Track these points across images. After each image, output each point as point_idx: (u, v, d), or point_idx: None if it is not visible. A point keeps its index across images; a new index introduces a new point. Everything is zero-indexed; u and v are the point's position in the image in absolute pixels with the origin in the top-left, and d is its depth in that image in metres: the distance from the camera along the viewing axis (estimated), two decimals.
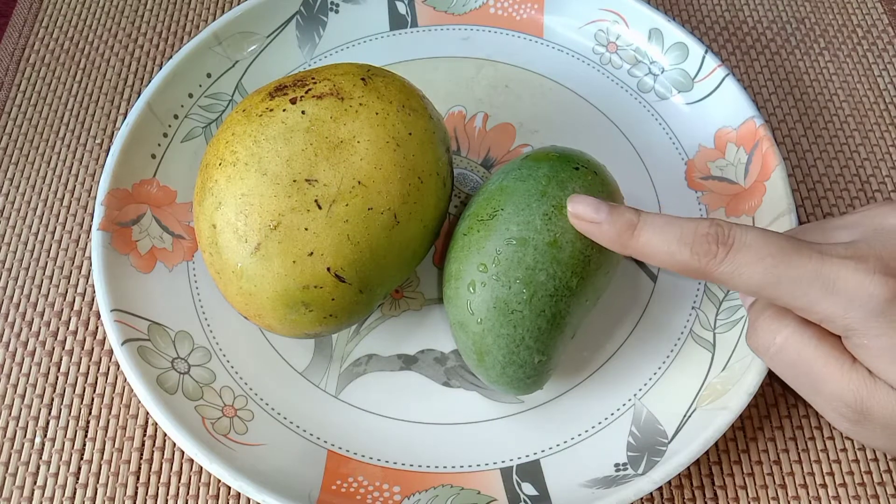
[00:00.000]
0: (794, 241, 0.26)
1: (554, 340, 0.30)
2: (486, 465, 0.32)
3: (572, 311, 0.30)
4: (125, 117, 0.41)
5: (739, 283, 0.26)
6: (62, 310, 0.36)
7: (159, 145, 0.38)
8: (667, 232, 0.27)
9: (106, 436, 0.33)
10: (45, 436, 0.33)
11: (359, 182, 0.29)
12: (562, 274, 0.29)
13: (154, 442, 0.33)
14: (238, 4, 0.43)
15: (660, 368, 0.34)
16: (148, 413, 0.33)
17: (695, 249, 0.27)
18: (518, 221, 0.30)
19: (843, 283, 0.25)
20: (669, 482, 0.33)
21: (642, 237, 0.28)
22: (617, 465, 0.31)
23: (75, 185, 0.40)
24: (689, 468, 0.33)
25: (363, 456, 0.32)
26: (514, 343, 0.29)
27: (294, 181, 0.29)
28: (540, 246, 0.29)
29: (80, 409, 0.34)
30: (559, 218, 0.30)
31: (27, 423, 0.34)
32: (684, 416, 0.32)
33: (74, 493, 0.32)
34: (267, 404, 0.33)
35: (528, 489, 0.31)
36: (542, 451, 0.32)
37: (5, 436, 0.33)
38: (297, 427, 0.33)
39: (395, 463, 0.32)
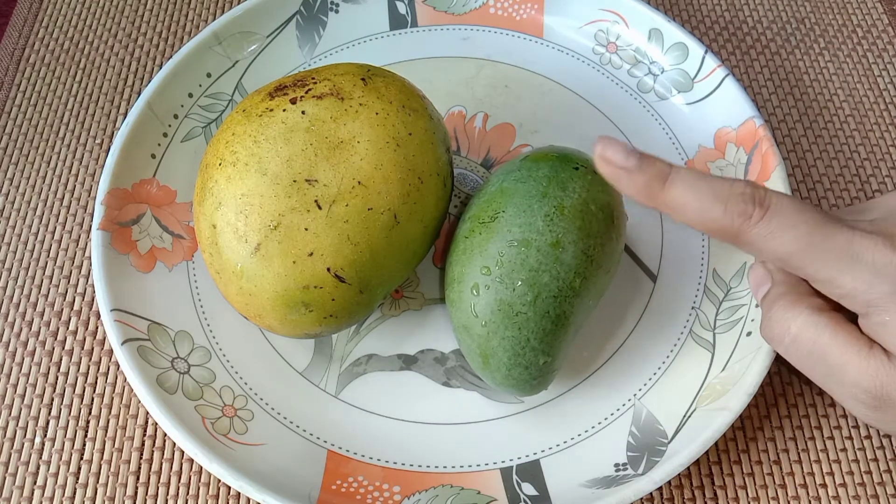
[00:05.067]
0: (825, 213, 0.26)
1: (559, 341, 0.30)
2: (486, 465, 0.32)
3: (576, 311, 0.30)
4: (125, 117, 0.41)
5: (769, 248, 0.26)
6: (62, 310, 0.36)
7: (159, 145, 0.38)
8: (700, 187, 0.26)
9: (106, 436, 0.33)
10: (45, 436, 0.33)
11: (359, 182, 0.29)
12: (565, 274, 0.29)
13: (154, 442, 0.33)
14: (238, 4, 0.43)
15: (660, 368, 0.34)
16: (148, 413, 0.33)
17: (729, 208, 0.26)
18: (520, 223, 0.30)
19: (869, 257, 0.25)
20: (669, 482, 0.33)
21: (674, 190, 0.26)
22: (617, 465, 0.31)
23: (75, 185, 0.40)
24: (688, 468, 0.33)
25: (363, 456, 0.32)
26: (519, 345, 0.29)
27: (294, 181, 0.29)
28: (542, 247, 0.29)
29: (80, 409, 0.34)
30: (561, 219, 0.30)
31: (27, 423, 0.34)
32: (684, 416, 0.32)
33: (74, 493, 0.32)
34: (267, 404, 0.33)
35: (528, 489, 0.31)
36: (542, 451, 0.32)
37: (5, 436, 0.33)
38: (297, 427, 0.33)
39: (395, 463, 0.32)
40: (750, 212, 0.26)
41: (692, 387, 0.33)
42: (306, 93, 0.30)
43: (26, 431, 0.33)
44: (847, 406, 0.27)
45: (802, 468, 0.33)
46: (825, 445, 0.34)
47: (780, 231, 0.26)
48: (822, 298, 0.27)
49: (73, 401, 0.34)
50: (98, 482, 0.32)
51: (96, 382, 0.34)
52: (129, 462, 0.33)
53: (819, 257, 0.25)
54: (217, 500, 0.32)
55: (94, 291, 0.34)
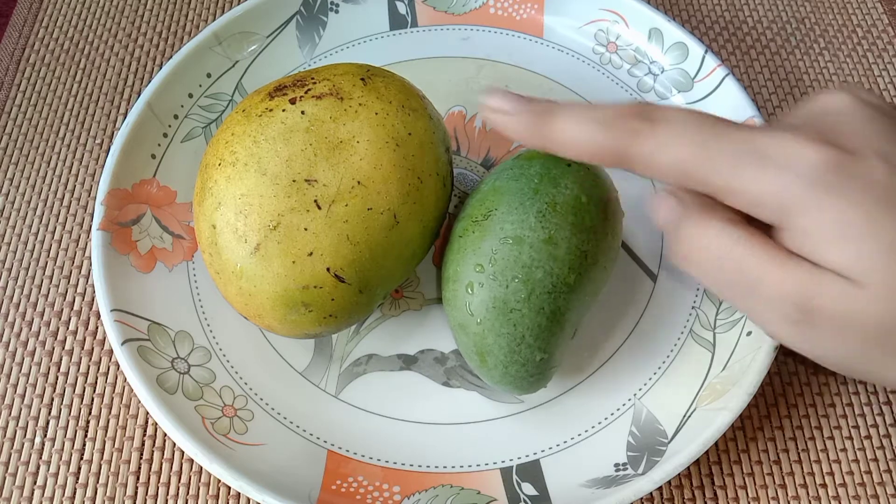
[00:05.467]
0: (724, 119, 0.24)
1: (555, 337, 0.30)
2: (486, 465, 0.32)
3: (571, 308, 0.30)
4: (125, 117, 0.41)
5: (662, 163, 0.24)
6: (62, 310, 0.36)
7: (159, 145, 0.38)
8: (584, 115, 0.25)
9: (106, 436, 0.33)
10: (45, 436, 0.33)
11: (358, 182, 0.29)
12: (559, 270, 0.29)
13: (154, 442, 0.33)
14: (238, 4, 0.43)
15: (660, 368, 0.34)
16: (148, 413, 0.34)
17: (615, 128, 0.24)
18: (512, 220, 0.30)
19: (778, 152, 0.22)
20: (669, 482, 0.33)
21: (558, 123, 0.25)
22: (617, 465, 0.31)
23: (75, 185, 0.40)
24: (688, 468, 0.33)
25: (363, 456, 0.32)
26: (514, 342, 0.29)
27: (293, 181, 0.29)
28: (535, 243, 0.29)
29: (80, 409, 0.34)
30: (553, 215, 0.30)
31: (27, 423, 0.34)
32: (684, 416, 0.32)
33: (74, 493, 0.32)
34: (267, 404, 0.33)
35: (528, 489, 0.31)
36: (542, 451, 0.32)
37: (5, 436, 0.33)
38: (297, 427, 0.33)
39: (395, 463, 0.32)
40: (635, 128, 0.24)
41: (692, 387, 0.33)
42: (306, 93, 0.30)
43: (26, 431, 0.33)
44: (770, 325, 0.24)
45: (802, 468, 0.33)
46: (825, 445, 0.34)
47: (670, 141, 0.23)
48: (735, 212, 0.24)
49: (73, 401, 0.34)
50: (98, 482, 0.32)
51: (96, 382, 0.34)
52: (129, 462, 0.33)
53: (718, 161, 0.23)
54: (217, 500, 0.32)
55: (94, 291, 0.34)
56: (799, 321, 0.23)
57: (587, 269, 0.30)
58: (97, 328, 0.36)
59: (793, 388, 0.35)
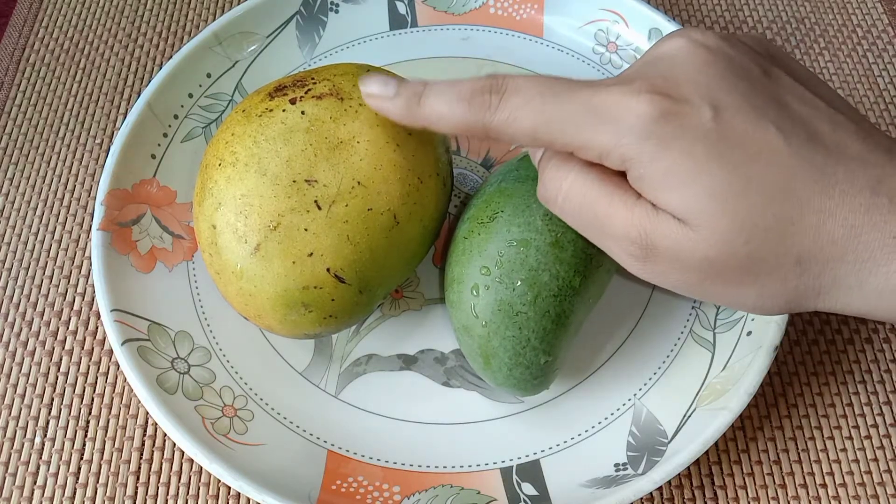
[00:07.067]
0: (566, 80, 0.25)
1: (559, 340, 0.30)
2: (486, 465, 0.32)
3: (576, 310, 0.30)
4: (125, 117, 0.41)
5: (516, 131, 0.26)
6: (62, 310, 0.36)
7: (159, 145, 0.38)
8: (448, 92, 0.27)
9: (106, 436, 0.33)
10: (45, 436, 0.33)
11: (358, 182, 0.29)
12: (565, 273, 0.29)
13: (154, 442, 0.33)
14: (238, 4, 0.43)
15: (660, 368, 0.34)
16: (148, 413, 0.34)
17: (472, 103, 0.26)
18: (519, 223, 0.30)
19: (611, 108, 0.24)
20: (669, 482, 0.33)
21: (427, 102, 0.27)
22: (617, 464, 0.31)
23: (75, 185, 0.40)
24: (688, 468, 0.33)
25: (363, 456, 0.32)
26: (519, 345, 0.29)
27: (294, 182, 0.29)
28: (542, 246, 0.29)
29: (80, 409, 0.34)
30: (559, 217, 0.30)
31: (27, 423, 0.34)
32: (684, 416, 0.32)
33: (74, 492, 0.32)
34: (267, 404, 0.33)
35: (528, 489, 0.31)
36: (542, 451, 0.32)
37: (5, 436, 0.33)
38: (297, 427, 0.33)
39: (395, 463, 0.32)
40: (488, 101, 0.26)
41: (692, 387, 0.33)
42: (306, 93, 0.30)
43: (26, 431, 0.33)
44: (620, 261, 0.26)
45: (802, 468, 0.33)
46: (825, 445, 0.34)
47: (518, 110, 0.25)
48: None
49: (73, 401, 0.34)
50: (98, 482, 0.32)
51: (96, 382, 0.34)
52: (129, 462, 0.33)
53: (562, 124, 0.25)
54: (217, 500, 0.32)
55: (94, 291, 0.34)
56: (641, 257, 0.25)
57: (592, 272, 0.30)
58: (97, 328, 0.36)
59: (793, 388, 0.35)
